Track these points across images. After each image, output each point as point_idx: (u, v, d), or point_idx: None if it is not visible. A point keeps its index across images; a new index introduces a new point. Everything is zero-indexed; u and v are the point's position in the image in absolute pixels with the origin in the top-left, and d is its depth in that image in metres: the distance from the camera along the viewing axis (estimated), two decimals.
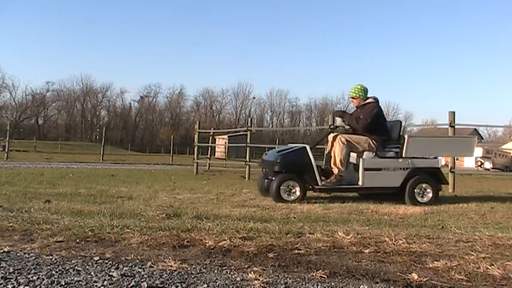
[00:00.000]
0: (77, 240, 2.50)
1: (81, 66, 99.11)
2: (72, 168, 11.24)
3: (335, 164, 5.03)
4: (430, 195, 5.11)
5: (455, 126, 7.65)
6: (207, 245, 2.47)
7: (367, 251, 2.45)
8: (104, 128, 22.82)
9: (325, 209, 4.30)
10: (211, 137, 15.27)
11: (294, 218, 3.65)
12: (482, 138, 64.02)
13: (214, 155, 25.88)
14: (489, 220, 3.88)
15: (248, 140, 10.22)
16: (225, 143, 30.16)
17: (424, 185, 5.11)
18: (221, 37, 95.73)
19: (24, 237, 2.57)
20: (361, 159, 5.05)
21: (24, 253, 2.22)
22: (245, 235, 2.68)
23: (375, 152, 5.13)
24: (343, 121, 5.33)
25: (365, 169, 5.00)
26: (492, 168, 38.66)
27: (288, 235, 2.77)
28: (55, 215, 3.30)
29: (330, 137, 5.34)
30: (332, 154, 5.11)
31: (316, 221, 3.49)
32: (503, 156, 44.38)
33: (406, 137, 5.18)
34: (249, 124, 10.36)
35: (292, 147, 5.34)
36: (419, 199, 5.06)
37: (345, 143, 5.03)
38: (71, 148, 38.44)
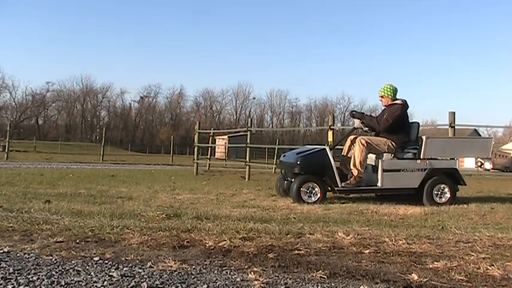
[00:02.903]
0: (77, 241, 2.50)
1: (81, 66, 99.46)
2: (72, 169, 11.25)
3: (355, 165, 5.05)
4: (448, 195, 5.15)
5: (455, 127, 7.64)
6: (207, 245, 2.47)
7: (367, 251, 2.45)
8: (104, 129, 22.82)
9: (325, 210, 4.30)
10: (211, 137, 15.27)
11: (294, 218, 3.66)
12: None
13: (214, 155, 25.89)
14: (489, 221, 3.88)
15: (248, 141, 10.22)
16: (225, 143, 30.16)
17: (442, 186, 5.15)
18: (221, 37, 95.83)
19: (24, 237, 2.57)
20: (380, 160, 5.08)
21: (24, 253, 2.22)
22: (245, 235, 2.68)
23: (394, 153, 5.16)
24: (362, 123, 5.35)
25: (384, 170, 5.04)
26: (492, 168, 38.67)
27: (288, 236, 2.77)
28: (55, 216, 3.30)
29: (349, 139, 5.36)
30: (352, 156, 5.13)
31: (316, 221, 3.49)
32: (503, 157, 44.39)
33: (424, 138, 5.20)
34: (249, 124, 10.37)
35: (311, 149, 5.35)
36: (437, 200, 5.10)
37: (365, 144, 5.05)
38: (71, 148, 38.43)
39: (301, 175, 5.06)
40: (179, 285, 1.82)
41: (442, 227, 3.38)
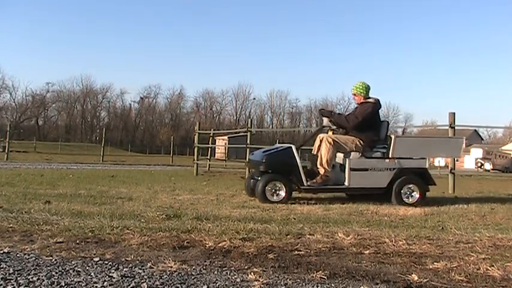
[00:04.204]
0: (77, 241, 2.50)
1: (81, 67, 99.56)
2: (72, 169, 11.24)
3: (321, 164, 4.99)
4: (417, 196, 5.06)
5: (455, 127, 7.65)
6: (207, 246, 2.47)
7: (367, 252, 2.45)
8: (104, 129, 22.81)
9: (325, 210, 4.30)
10: (211, 138, 15.29)
11: (294, 219, 3.65)
12: (482, 139, 64.30)
13: (214, 156, 25.89)
14: (489, 221, 3.88)
15: (248, 141, 10.23)
16: (225, 144, 30.16)
17: (411, 186, 5.08)
18: (221, 37, 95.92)
19: (24, 238, 2.57)
20: (347, 159, 5.02)
21: (24, 254, 2.22)
22: (245, 236, 2.68)
23: (362, 152, 5.10)
24: (330, 121, 5.29)
25: (351, 169, 4.97)
26: (492, 169, 38.68)
27: (288, 236, 2.77)
28: (55, 216, 3.30)
29: (318, 137, 5.30)
30: (319, 154, 5.07)
31: (316, 222, 3.49)
32: (503, 157, 44.43)
33: (392, 137, 5.14)
34: (249, 125, 10.38)
35: (277, 147, 5.33)
36: (405, 200, 5.02)
37: (332, 143, 4.99)
38: (71, 149, 38.43)
39: (266, 174, 4.99)
40: (179, 285, 1.82)
41: (442, 228, 3.38)
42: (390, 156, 5.08)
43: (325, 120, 5.34)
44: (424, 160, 5.29)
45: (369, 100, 5.27)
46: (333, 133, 5.28)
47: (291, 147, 5.12)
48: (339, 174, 5.18)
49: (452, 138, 5.85)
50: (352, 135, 5.14)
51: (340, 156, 5.24)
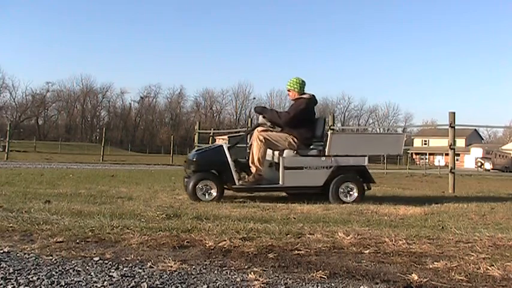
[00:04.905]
0: (77, 241, 2.50)
1: (81, 66, 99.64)
2: (72, 169, 11.24)
3: (253, 162, 4.91)
4: (356, 194, 4.96)
5: (456, 127, 7.66)
6: (207, 245, 2.47)
7: (367, 251, 2.45)
8: (104, 129, 22.82)
9: (325, 210, 4.30)
10: (211, 137, 15.29)
11: (294, 218, 3.65)
12: (482, 139, 64.44)
13: None
14: (489, 221, 3.87)
15: (248, 141, 10.23)
16: (225, 143, 30.14)
17: (349, 184, 4.97)
18: (221, 37, 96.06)
19: (24, 237, 2.57)
20: (281, 157, 4.92)
21: (24, 253, 2.21)
22: (245, 236, 2.68)
23: (296, 150, 4.99)
24: (264, 117, 5.18)
25: (285, 168, 4.87)
26: (492, 168, 38.72)
27: (288, 236, 2.76)
28: (55, 216, 3.30)
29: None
30: (250, 152, 5.00)
31: (316, 221, 3.49)
32: (503, 157, 44.49)
33: (329, 134, 5.04)
34: (249, 124, 10.39)
35: (209, 147, 5.28)
36: (343, 198, 4.92)
37: (263, 140, 4.89)
38: (71, 148, 38.45)
39: (197, 173, 4.94)
40: (179, 285, 1.82)
41: (442, 227, 3.38)
42: (326, 153, 4.94)
43: (260, 118, 5.22)
44: (363, 158, 5.11)
45: (303, 96, 5.12)
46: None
47: (221, 146, 5.07)
48: (274, 173, 5.06)
49: (391, 135, 5.64)
50: (286, 133, 5.01)
51: (275, 154, 5.13)
